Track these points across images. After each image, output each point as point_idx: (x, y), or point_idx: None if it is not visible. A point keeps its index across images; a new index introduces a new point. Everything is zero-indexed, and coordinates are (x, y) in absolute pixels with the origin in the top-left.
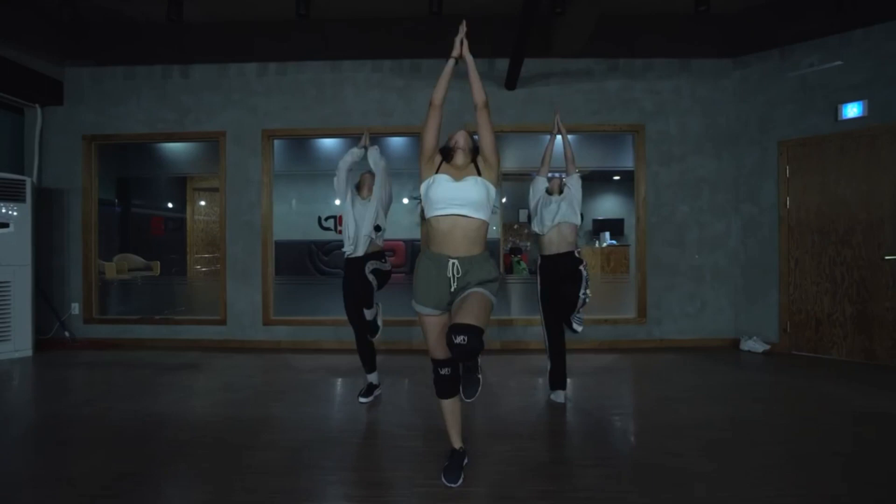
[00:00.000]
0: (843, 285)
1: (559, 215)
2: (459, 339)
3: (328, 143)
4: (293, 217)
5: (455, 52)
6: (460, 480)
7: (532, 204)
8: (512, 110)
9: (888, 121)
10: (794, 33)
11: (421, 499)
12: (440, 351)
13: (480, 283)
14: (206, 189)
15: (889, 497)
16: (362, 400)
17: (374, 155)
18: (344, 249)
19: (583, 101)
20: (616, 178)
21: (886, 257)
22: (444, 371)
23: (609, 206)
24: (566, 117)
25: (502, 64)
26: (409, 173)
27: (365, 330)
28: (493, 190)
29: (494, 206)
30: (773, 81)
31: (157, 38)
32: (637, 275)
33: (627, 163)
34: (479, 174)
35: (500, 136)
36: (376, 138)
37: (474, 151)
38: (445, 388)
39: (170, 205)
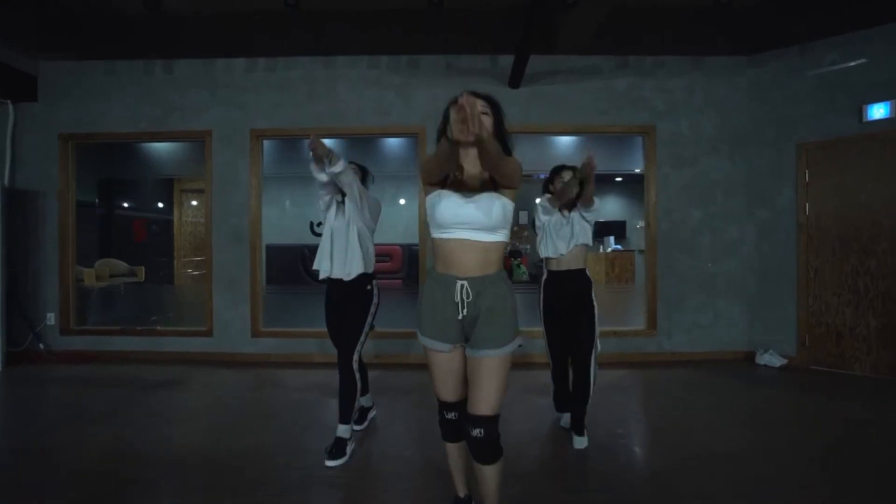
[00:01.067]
0: (867, 297)
1: (574, 239)
2: (476, 433)
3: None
4: (285, 220)
5: (463, 136)
6: None
7: (538, 224)
8: (515, 109)
9: None
10: (815, 29)
11: None
12: (448, 392)
13: (494, 324)
14: (194, 191)
15: None
16: (356, 428)
17: (346, 176)
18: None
19: (590, 99)
20: (618, 179)
21: None
22: (451, 416)
23: (611, 208)
24: (573, 116)
25: (505, 61)
26: (407, 175)
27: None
28: (510, 206)
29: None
30: (791, 80)
31: (139, 30)
32: (647, 283)
33: (632, 164)
34: (496, 187)
35: None
36: (373, 139)
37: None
38: (452, 432)
39: (157, 206)
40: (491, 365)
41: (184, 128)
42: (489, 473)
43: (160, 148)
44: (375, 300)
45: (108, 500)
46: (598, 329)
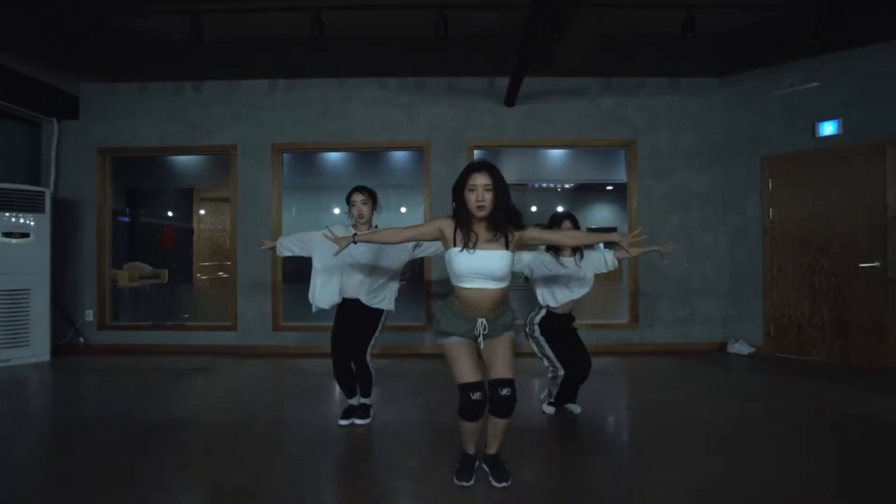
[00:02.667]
0: (821, 292)
1: (577, 291)
2: (505, 392)
3: (332, 157)
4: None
5: (479, 213)
6: (472, 480)
7: (537, 273)
8: (512, 126)
9: (862, 139)
10: (777, 55)
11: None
12: (470, 373)
13: (501, 322)
14: (212, 199)
15: (857, 486)
16: (341, 423)
17: (366, 246)
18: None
19: (579, 116)
20: (609, 188)
21: (861, 265)
22: (476, 395)
23: (603, 215)
24: (563, 132)
25: (502, 81)
26: (411, 185)
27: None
28: (512, 258)
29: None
30: (757, 99)
31: (170, 55)
32: (630, 282)
33: (619, 175)
34: (507, 244)
35: (500, 150)
36: (381, 152)
37: (501, 211)
38: (476, 413)
39: (177, 215)
40: (506, 342)
41: (210, 143)
42: (502, 424)
43: (181, 160)
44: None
45: (167, 454)
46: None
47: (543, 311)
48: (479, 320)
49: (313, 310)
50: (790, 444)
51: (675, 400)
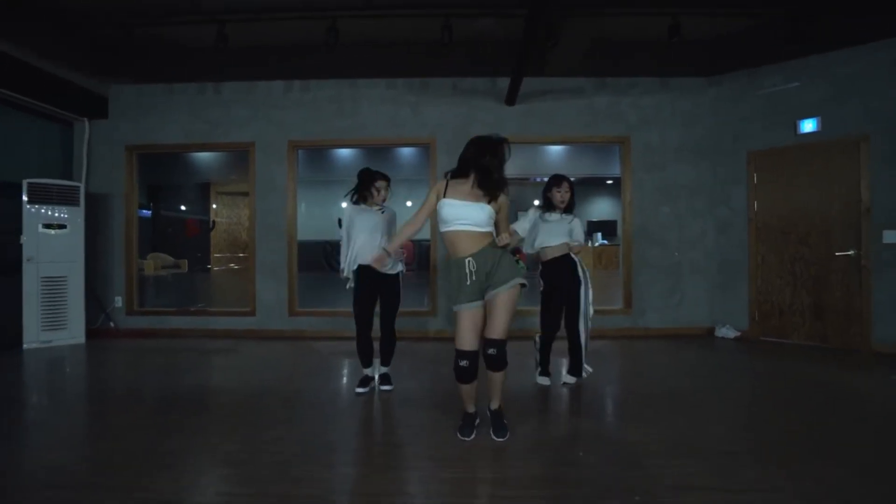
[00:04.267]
0: (801, 279)
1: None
2: (490, 352)
3: (343, 153)
4: (310, 219)
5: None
6: (473, 435)
7: (527, 227)
8: (512, 124)
9: (837, 136)
10: (759, 57)
11: (437, 453)
12: (466, 342)
13: (497, 273)
14: (228, 193)
15: (823, 437)
16: (359, 390)
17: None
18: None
19: (575, 114)
20: (609, 182)
21: (837, 254)
22: (463, 363)
23: (603, 208)
24: (560, 129)
25: (502, 82)
26: (418, 179)
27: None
28: (492, 210)
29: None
30: (742, 98)
31: (194, 59)
32: (623, 270)
33: (613, 170)
34: (489, 200)
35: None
36: (389, 148)
37: (484, 179)
38: (465, 376)
39: (194, 208)
40: (502, 299)
41: (230, 140)
42: (497, 378)
43: (198, 157)
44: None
45: (203, 417)
46: (585, 297)
47: (541, 267)
48: (467, 259)
49: (347, 284)
50: (760, 408)
51: (663, 376)
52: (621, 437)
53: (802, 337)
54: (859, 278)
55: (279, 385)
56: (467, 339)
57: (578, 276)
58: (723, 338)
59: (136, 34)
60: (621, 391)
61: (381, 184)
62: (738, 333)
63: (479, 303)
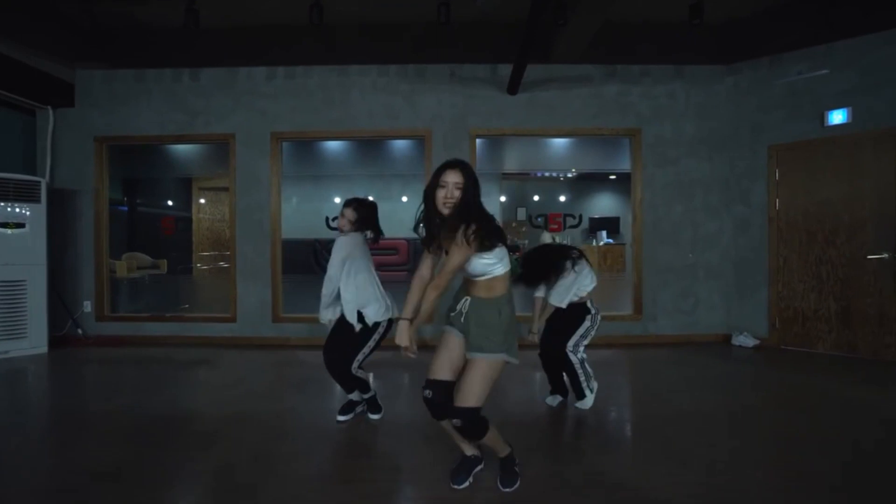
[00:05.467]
0: (828, 283)
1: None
2: (455, 422)
3: (333, 145)
4: (298, 216)
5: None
6: (464, 484)
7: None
8: (513, 114)
9: (870, 128)
10: (783, 43)
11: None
12: (437, 371)
13: (481, 335)
14: (211, 189)
15: (862, 475)
16: (340, 418)
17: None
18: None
19: (581, 105)
20: (612, 177)
21: (868, 257)
22: (426, 393)
23: (605, 204)
24: (566, 121)
25: (504, 69)
26: (412, 174)
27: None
28: (489, 255)
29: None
30: (763, 88)
31: (168, 42)
32: (633, 273)
33: (622, 164)
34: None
35: (501, 139)
36: (382, 141)
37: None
38: (434, 411)
39: (176, 204)
40: (476, 365)
41: (208, 131)
42: (485, 441)
43: (179, 149)
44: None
45: (174, 446)
46: (577, 333)
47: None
48: (466, 299)
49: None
50: (795, 436)
51: (679, 392)
52: (645, 486)
53: (829, 346)
54: (894, 283)
55: (258, 407)
56: (437, 367)
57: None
58: (740, 346)
59: (98, 12)
60: (639, 416)
61: (347, 214)
62: (758, 342)
63: (462, 340)
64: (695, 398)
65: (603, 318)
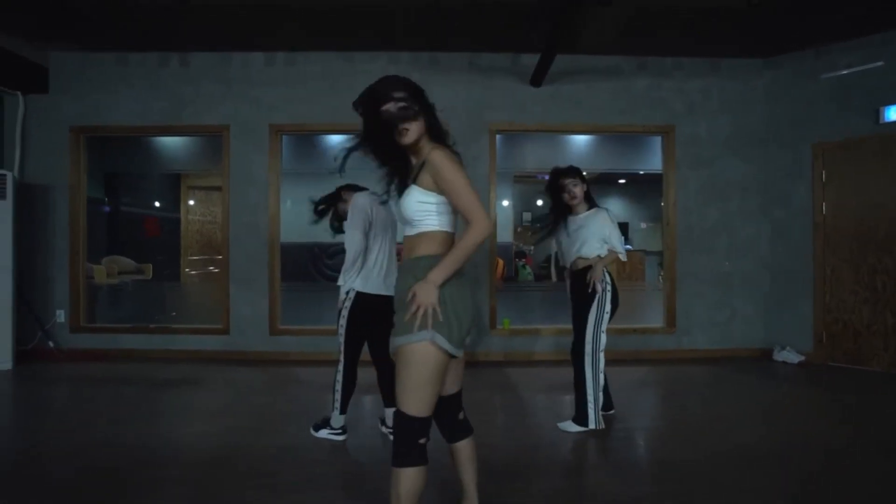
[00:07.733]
0: (884, 294)
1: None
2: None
3: (337, 139)
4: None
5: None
6: None
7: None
8: (536, 108)
9: None
10: (830, 32)
11: None
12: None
13: (399, 320)
14: (201, 187)
15: None
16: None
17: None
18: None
19: (609, 99)
20: (621, 181)
21: None
22: (422, 441)
23: (614, 209)
24: (592, 116)
25: (527, 59)
26: None
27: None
28: (429, 194)
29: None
30: (807, 82)
31: (153, 21)
32: (666, 282)
33: (637, 164)
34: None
35: (521, 134)
36: None
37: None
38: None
39: (163, 203)
40: (397, 356)
41: (199, 122)
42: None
43: (167, 142)
44: None
45: (135, 499)
46: (591, 322)
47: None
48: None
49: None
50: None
51: (728, 424)
52: None
53: (885, 364)
54: None
55: (247, 440)
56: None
57: (592, 290)
58: (783, 362)
59: None
60: (677, 443)
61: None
62: (802, 358)
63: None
64: (737, 426)
65: (632, 330)
